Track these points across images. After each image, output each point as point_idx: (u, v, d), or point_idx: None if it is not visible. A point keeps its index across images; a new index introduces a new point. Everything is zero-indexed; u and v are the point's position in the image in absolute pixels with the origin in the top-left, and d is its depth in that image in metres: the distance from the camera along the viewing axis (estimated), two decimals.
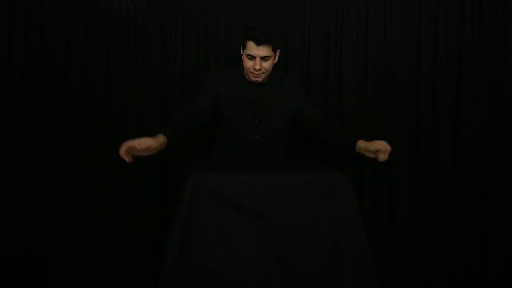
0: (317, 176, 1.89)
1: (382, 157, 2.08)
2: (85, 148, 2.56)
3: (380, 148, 2.08)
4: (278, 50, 2.22)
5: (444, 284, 2.66)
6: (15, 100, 2.50)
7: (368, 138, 2.59)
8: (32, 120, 2.52)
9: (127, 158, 1.82)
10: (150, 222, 2.57)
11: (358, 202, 1.90)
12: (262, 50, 2.12)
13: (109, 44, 2.56)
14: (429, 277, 2.67)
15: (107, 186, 2.57)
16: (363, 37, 2.62)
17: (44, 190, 2.53)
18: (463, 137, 2.62)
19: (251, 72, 2.18)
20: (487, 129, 2.64)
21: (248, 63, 2.16)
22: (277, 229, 1.79)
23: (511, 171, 2.64)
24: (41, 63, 2.52)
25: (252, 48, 2.12)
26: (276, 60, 2.23)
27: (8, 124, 2.50)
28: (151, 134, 2.55)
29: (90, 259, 2.57)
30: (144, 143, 1.84)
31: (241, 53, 2.20)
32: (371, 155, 2.13)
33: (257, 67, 2.14)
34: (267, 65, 2.16)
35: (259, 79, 2.20)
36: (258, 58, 2.13)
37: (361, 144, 2.15)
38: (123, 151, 1.81)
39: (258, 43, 2.10)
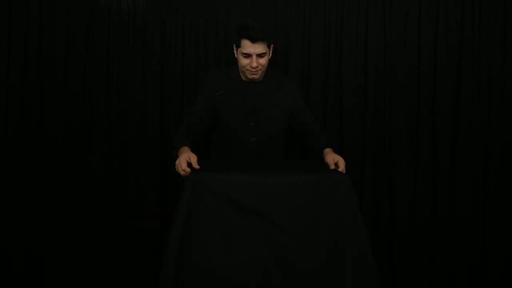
0: (317, 176, 1.89)
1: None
2: (85, 148, 2.56)
3: (330, 164, 2.03)
4: (272, 45, 2.22)
5: (444, 284, 2.66)
6: (15, 100, 2.50)
7: (368, 138, 2.62)
8: (32, 120, 2.52)
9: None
10: (150, 222, 2.58)
11: (358, 202, 1.89)
12: (258, 48, 2.12)
13: (109, 44, 2.57)
14: (429, 277, 2.66)
15: (107, 186, 2.58)
16: (363, 37, 2.62)
17: (44, 190, 2.53)
18: (463, 137, 2.62)
19: (247, 69, 2.18)
20: (487, 129, 2.64)
21: (244, 61, 2.16)
22: (277, 229, 1.79)
23: (511, 171, 2.64)
24: (41, 63, 2.53)
25: (248, 46, 2.12)
26: (270, 55, 2.23)
27: (8, 124, 2.50)
28: (151, 134, 2.58)
29: (90, 259, 2.57)
30: (195, 160, 1.95)
31: (235, 52, 2.20)
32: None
33: (254, 64, 2.14)
34: (263, 61, 2.17)
35: (256, 76, 2.21)
36: (254, 56, 2.13)
37: (325, 153, 2.14)
38: (185, 173, 1.92)
39: (254, 40, 2.10)
